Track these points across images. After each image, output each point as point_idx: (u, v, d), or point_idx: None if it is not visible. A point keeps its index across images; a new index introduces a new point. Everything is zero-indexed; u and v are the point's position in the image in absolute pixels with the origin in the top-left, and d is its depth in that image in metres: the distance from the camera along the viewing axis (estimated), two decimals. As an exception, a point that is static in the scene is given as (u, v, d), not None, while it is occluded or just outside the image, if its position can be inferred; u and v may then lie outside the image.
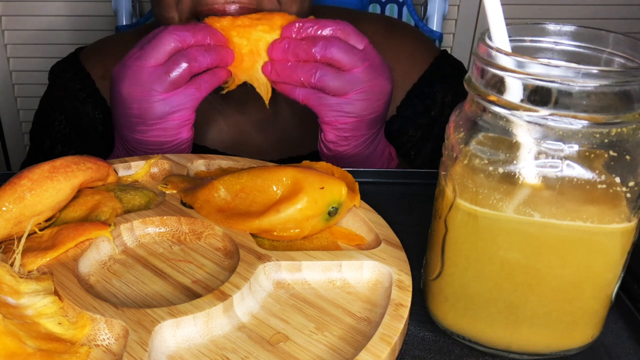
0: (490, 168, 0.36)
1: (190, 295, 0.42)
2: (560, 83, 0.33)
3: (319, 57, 0.60)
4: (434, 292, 0.42)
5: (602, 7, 1.53)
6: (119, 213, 0.48)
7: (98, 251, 0.45)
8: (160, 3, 0.68)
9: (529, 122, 0.34)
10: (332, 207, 0.46)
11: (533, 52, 0.39)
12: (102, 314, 0.38)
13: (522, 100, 0.34)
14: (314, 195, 0.45)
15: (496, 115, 0.36)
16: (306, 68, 0.60)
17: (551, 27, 0.39)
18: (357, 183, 0.50)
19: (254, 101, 0.72)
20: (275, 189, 0.47)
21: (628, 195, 0.35)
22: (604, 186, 0.34)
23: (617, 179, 0.34)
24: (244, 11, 0.64)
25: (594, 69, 0.33)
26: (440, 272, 0.41)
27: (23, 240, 0.43)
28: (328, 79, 0.60)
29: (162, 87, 0.59)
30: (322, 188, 0.45)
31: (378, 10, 1.24)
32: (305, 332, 0.39)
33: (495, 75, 0.35)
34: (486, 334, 0.40)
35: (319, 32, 0.61)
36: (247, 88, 0.64)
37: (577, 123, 0.33)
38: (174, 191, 0.51)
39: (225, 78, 0.63)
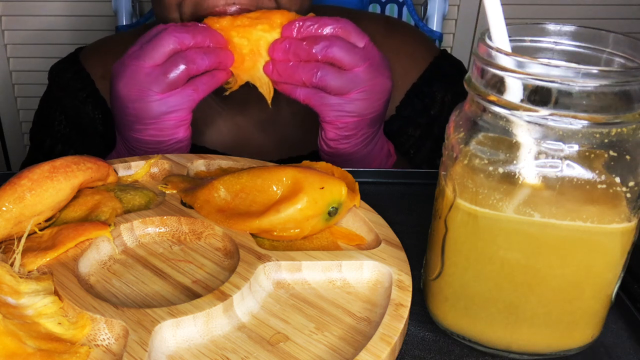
0: (490, 168, 0.36)
1: (190, 295, 0.42)
2: (560, 83, 0.33)
3: (320, 57, 0.60)
4: (434, 292, 0.42)
5: (602, 7, 1.53)
6: (119, 213, 0.48)
7: (98, 251, 0.45)
8: (161, 4, 0.68)
9: (529, 122, 0.34)
10: (332, 207, 0.46)
11: (533, 52, 0.39)
12: (102, 314, 0.38)
13: (522, 100, 0.34)
14: (314, 195, 0.45)
15: (496, 115, 0.36)
16: (307, 68, 0.60)
17: (551, 27, 0.39)
18: (357, 183, 0.50)
19: (255, 102, 0.72)
20: (275, 189, 0.47)
21: (628, 195, 0.35)
22: (604, 186, 0.34)
23: (617, 179, 0.34)
24: (244, 12, 0.64)
25: (594, 69, 0.33)
26: (440, 272, 0.41)
27: (23, 240, 0.43)
28: (329, 78, 0.60)
29: (159, 88, 0.59)
30: (322, 188, 0.45)
31: (378, 10, 1.24)
32: (305, 332, 0.39)
33: (495, 75, 0.35)
34: (486, 334, 0.40)
35: (320, 30, 0.61)
36: (248, 89, 0.64)
37: (577, 123, 0.33)
38: (174, 191, 0.51)
39: (224, 80, 0.63)
